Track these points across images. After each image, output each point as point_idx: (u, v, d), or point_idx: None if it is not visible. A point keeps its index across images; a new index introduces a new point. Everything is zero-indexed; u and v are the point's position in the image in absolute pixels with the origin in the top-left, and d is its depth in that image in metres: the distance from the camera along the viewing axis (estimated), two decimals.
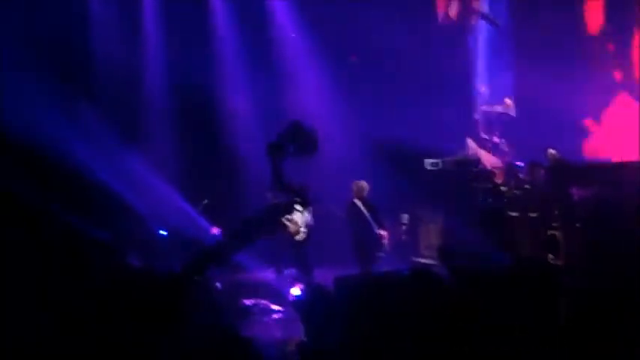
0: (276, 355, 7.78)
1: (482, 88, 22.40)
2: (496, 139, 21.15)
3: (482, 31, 22.47)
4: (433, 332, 6.77)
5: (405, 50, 20.08)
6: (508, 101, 21.22)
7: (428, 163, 18.84)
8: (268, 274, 17.30)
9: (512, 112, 21.13)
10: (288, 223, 16.99)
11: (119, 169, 18.55)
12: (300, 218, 16.79)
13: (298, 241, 16.82)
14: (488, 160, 20.96)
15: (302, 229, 16.79)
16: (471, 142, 21.66)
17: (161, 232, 18.38)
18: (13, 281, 9.21)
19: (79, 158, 17.95)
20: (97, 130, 18.68)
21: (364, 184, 16.38)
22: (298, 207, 16.52)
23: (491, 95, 22.14)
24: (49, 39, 18.21)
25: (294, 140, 8.41)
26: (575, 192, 15.84)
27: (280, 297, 14.08)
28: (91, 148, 18.22)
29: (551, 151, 17.18)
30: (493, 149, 21.16)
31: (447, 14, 22.87)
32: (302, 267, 16.77)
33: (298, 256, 16.92)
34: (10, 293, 8.69)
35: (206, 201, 18.08)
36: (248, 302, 14.34)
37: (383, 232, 16.19)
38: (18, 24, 17.69)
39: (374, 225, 16.13)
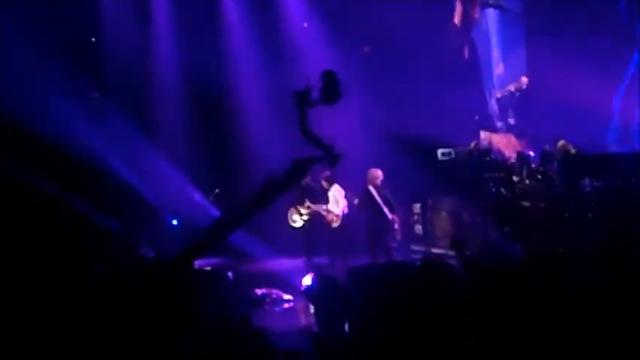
0: (287, 345, 7.79)
1: (499, 69, 22.48)
2: (511, 120, 21.26)
3: (491, 18, 22.55)
4: (444, 323, 6.78)
5: (417, 43, 20.11)
6: (524, 79, 21.36)
7: (440, 152, 18.83)
8: (281, 263, 17.34)
9: (525, 86, 21.31)
10: (324, 212, 17.26)
11: (132, 159, 18.61)
12: (335, 207, 17.14)
13: (334, 229, 17.18)
14: (501, 141, 21.10)
15: (337, 216, 17.17)
16: (483, 134, 21.71)
17: (173, 221, 18.46)
18: (26, 270, 9.26)
19: (93, 149, 18.02)
20: (111, 121, 18.73)
21: (378, 172, 16.51)
22: (332, 194, 16.93)
23: (507, 75, 22.26)
24: (62, 31, 18.26)
25: (323, 87, 8.53)
26: (588, 182, 15.82)
27: (292, 286, 14.10)
28: (104, 138, 18.27)
29: (562, 142, 17.17)
30: (507, 130, 21.38)
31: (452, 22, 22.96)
32: (337, 254, 17.06)
33: (334, 243, 17.24)
34: (22, 281, 8.73)
35: (218, 190, 18.14)
36: (260, 292, 14.34)
37: (394, 217, 16.28)
38: (32, 17, 17.73)
39: (387, 211, 16.23)
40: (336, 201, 17.33)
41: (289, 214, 17.98)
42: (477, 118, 22.18)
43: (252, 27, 21.24)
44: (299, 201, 17.76)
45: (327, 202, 17.48)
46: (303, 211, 17.78)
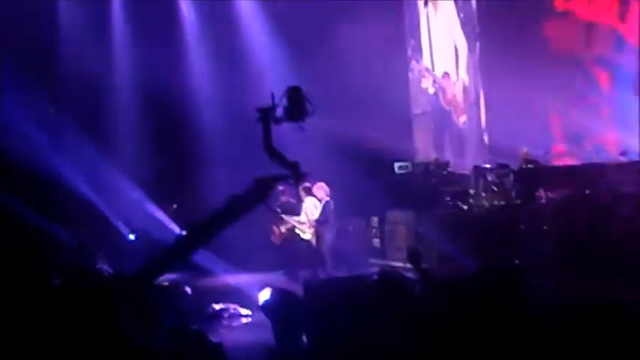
0: None
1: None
2: None
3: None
4: (400, 336, 6.81)
5: (370, 56, 20.35)
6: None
7: (397, 166, 18.90)
8: (239, 278, 17.28)
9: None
10: (296, 223, 17.20)
11: (89, 173, 18.51)
12: (305, 217, 17.09)
13: (308, 240, 17.15)
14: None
15: (309, 228, 17.13)
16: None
17: (130, 236, 18.37)
18: None
19: (48, 163, 17.89)
20: (67, 135, 18.62)
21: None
22: (307, 206, 16.95)
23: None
24: (16, 42, 18.16)
25: (288, 102, 8.46)
26: (543, 195, 15.99)
27: (249, 301, 14.08)
28: (60, 152, 18.16)
29: (524, 149, 17.45)
30: None
31: None
32: (318, 265, 17.00)
33: (314, 255, 17.17)
34: None
35: (175, 205, 18.07)
36: (217, 307, 14.30)
37: None
38: None
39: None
40: (311, 213, 17.22)
41: (274, 231, 17.93)
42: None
43: (209, 41, 21.26)
44: (278, 218, 17.71)
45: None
46: (282, 227, 17.72)
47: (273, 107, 8.56)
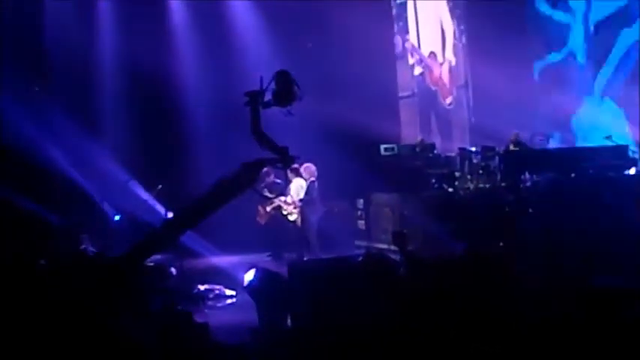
0: (229, 340, 7.80)
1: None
2: None
3: None
4: (384, 317, 6.83)
5: (357, 38, 20.34)
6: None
7: (383, 148, 18.91)
8: (225, 259, 17.28)
9: None
10: (283, 204, 17.15)
11: (74, 154, 18.47)
12: (291, 198, 17.06)
13: (295, 221, 17.12)
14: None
15: (295, 209, 17.09)
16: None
17: (115, 217, 18.34)
18: None
19: (34, 144, 17.85)
20: (52, 116, 18.58)
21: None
22: (294, 187, 16.93)
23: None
24: (3, 25, 18.14)
25: (277, 86, 8.48)
26: (528, 177, 16.02)
27: (234, 282, 14.08)
28: (46, 133, 18.11)
29: (516, 132, 17.48)
30: None
31: None
32: (303, 246, 16.98)
33: (299, 236, 17.17)
34: None
35: (160, 186, 18.04)
36: (202, 287, 14.31)
37: None
38: None
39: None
40: (297, 194, 17.17)
41: (260, 211, 17.86)
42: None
43: (197, 26, 21.19)
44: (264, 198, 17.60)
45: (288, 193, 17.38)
46: (268, 207, 17.64)
47: (262, 91, 8.56)
